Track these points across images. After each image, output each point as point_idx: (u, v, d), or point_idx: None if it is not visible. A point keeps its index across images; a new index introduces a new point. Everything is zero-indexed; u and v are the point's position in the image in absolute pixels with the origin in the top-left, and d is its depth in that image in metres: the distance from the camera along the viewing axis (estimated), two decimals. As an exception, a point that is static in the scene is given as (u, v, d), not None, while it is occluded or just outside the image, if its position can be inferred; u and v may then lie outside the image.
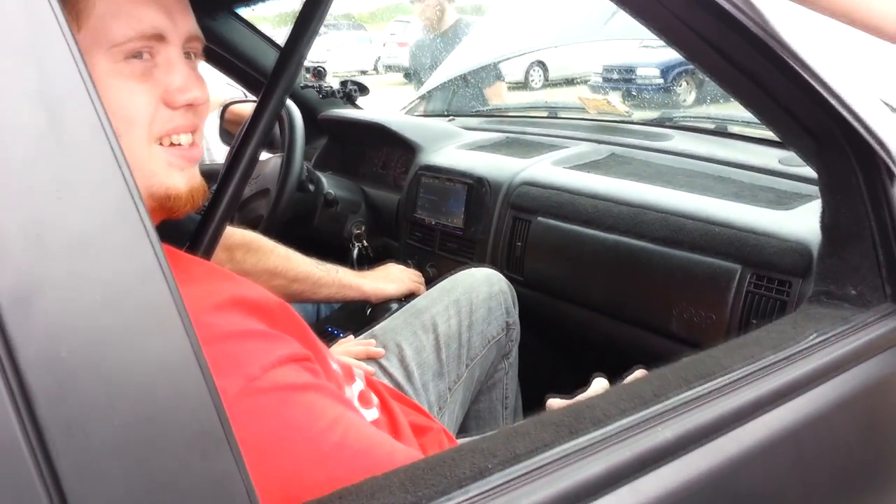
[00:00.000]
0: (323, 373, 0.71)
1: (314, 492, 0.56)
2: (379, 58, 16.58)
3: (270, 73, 1.30)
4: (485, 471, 0.58)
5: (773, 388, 0.77)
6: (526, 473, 0.58)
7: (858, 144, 0.91)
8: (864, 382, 0.87)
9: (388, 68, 15.89)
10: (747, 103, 1.03)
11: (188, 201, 0.70)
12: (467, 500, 0.55)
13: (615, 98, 1.93)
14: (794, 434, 0.78)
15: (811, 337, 0.87)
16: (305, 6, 1.25)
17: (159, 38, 0.65)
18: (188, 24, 0.69)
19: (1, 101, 0.38)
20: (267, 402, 0.62)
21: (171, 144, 0.68)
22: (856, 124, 0.88)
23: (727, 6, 0.79)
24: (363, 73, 15.02)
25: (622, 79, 7.26)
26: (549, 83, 12.62)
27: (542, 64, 12.96)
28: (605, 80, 7.32)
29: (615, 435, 0.65)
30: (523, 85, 12.78)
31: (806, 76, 0.86)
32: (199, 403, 0.42)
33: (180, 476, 0.41)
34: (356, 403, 0.87)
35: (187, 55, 0.70)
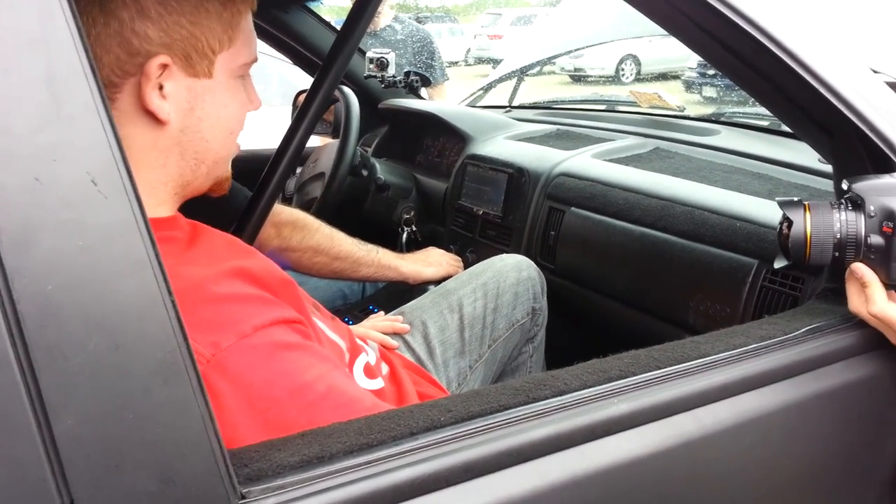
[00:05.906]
0: (316, 338, 0.79)
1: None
2: (469, 49, 16.68)
3: (322, 63, 1.40)
4: (437, 423, 0.64)
5: (744, 375, 0.80)
6: (476, 428, 0.64)
7: (865, 140, 0.91)
8: (849, 378, 0.88)
9: (479, 60, 15.97)
10: (762, 100, 1.05)
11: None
12: (417, 447, 0.61)
13: (669, 93, 1.93)
14: (763, 420, 0.80)
15: (802, 330, 0.89)
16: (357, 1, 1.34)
17: (253, 62, 0.86)
18: None
19: (12, 81, 0.47)
20: (256, 357, 0.70)
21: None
22: (860, 125, 0.89)
23: (730, 13, 0.83)
24: (453, 64, 15.11)
25: (716, 74, 7.03)
26: (640, 77, 12.33)
27: (634, 58, 12.69)
28: (700, 75, 7.14)
29: (570, 403, 0.70)
30: (614, 79, 12.56)
31: (809, 79, 0.87)
32: (163, 338, 0.50)
33: (143, 397, 0.49)
34: (360, 374, 0.95)
35: None
